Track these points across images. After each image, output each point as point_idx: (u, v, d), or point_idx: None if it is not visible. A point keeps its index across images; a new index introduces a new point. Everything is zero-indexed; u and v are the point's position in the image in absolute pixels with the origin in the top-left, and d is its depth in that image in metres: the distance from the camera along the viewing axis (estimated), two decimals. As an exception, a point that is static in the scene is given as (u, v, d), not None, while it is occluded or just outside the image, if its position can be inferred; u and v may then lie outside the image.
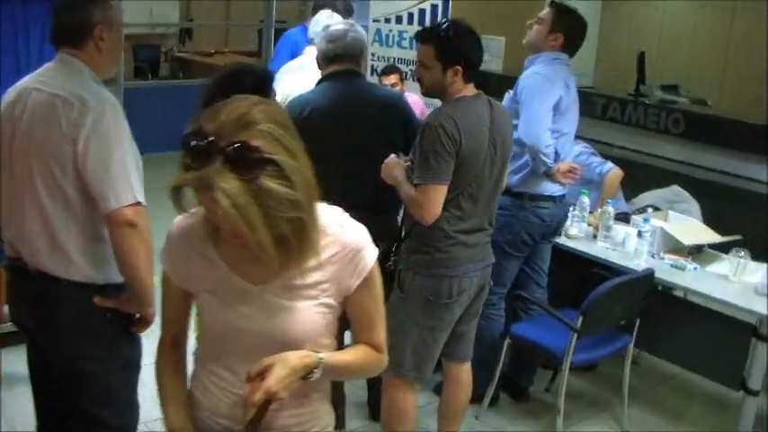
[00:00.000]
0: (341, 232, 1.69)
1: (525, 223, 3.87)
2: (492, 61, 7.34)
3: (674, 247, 4.06)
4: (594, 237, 4.26)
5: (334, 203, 3.13)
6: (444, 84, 2.98)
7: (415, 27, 7.17)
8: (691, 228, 4.28)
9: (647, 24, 7.68)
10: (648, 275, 3.76)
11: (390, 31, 7.39)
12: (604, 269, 4.05)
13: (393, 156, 3.14)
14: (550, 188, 3.90)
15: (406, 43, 7.24)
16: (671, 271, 3.91)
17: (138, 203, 2.34)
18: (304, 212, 1.50)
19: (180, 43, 11.15)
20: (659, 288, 4.02)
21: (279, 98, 3.89)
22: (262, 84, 2.73)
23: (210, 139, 1.42)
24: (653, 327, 3.93)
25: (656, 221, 4.16)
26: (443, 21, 3.01)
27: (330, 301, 1.70)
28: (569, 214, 4.34)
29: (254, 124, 1.46)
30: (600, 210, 4.30)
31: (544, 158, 3.74)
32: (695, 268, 3.94)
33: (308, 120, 3.21)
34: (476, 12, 7.05)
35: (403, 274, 3.08)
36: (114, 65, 2.69)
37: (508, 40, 7.63)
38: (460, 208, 2.99)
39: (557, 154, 3.80)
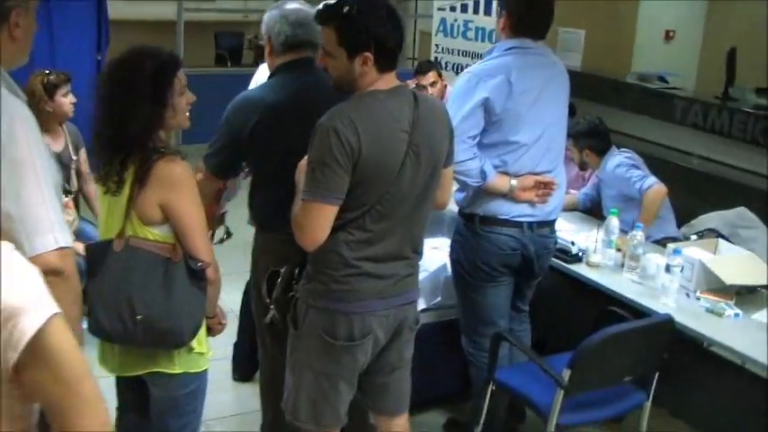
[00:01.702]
0: None
1: (480, 252, 3.15)
2: (570, 56, 6.62)
3: (717, 285, 3.30)
4: (622, 266, 3.55)
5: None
6: (353, 75, 2.33)
7: (482, 17, 6.58)
8: (742, 263, 3.47)
9: (752, 23, 6.72)
10: (666, 322, 3.03)
11: (455, 20, 6.74)
12: (624, 308, 3.32)
13: None
14: (510, 209, 3.14)
15: (471, 34, 6.60)
16: (703, 316, 3.16)
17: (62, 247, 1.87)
18: None
19: (265, 31, 10.84)
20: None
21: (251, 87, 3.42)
22: (164, 70, 2.35)
23: None
24: (676, 383, 3.19)
25: (693, 252, 3.39)
26: None
27: None
28: (596, 238, 3.63)
29: None
30: (630, 234, 3.56)
31: (460, 177, 3.03)
32: (736, 315, 3.16)
33: (258, 126, 2.70)
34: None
35: (298, 307, 2.49)
36: (26, 54, 2.13)
37: (588, 32, 6.87)
38: (366, 230, 2.36)
39: (483, 171, 3.05)
